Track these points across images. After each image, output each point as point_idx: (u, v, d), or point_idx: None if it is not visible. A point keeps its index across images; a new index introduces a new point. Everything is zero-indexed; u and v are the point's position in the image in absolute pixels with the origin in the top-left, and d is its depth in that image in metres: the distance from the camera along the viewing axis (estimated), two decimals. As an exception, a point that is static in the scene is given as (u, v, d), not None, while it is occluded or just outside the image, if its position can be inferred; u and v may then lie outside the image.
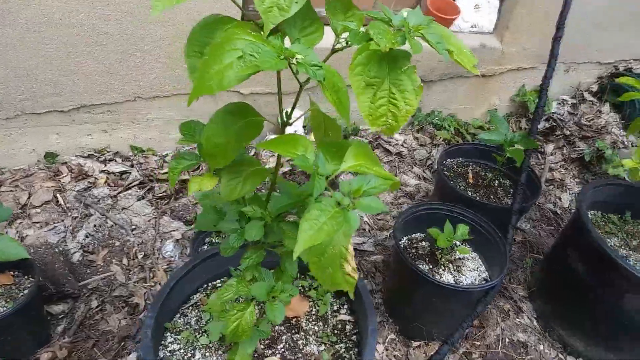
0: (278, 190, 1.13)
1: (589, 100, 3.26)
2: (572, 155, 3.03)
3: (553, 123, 3.15)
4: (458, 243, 1.82)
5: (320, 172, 0.78)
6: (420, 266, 1.79)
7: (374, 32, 0.72)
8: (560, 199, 2.72)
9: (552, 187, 2.79)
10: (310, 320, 1.41)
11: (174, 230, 2.11)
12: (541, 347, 1.83)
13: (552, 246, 2.11)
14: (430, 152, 2.79)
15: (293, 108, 0.96)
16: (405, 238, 1.92)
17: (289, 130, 1.17)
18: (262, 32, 0.85)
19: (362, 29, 0.84)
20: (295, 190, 1.04)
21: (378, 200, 0.76)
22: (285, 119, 1.02)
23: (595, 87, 3.38)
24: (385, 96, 0.77)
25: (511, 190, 2.21)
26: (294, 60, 0.75)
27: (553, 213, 2.60)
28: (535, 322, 1.94)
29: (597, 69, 3.34)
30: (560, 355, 1.82)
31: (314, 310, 1.44)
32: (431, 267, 1.81)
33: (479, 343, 1.81)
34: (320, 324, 1.40)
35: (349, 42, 0.81)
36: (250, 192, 1.06)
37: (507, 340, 1.83)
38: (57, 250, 1.83)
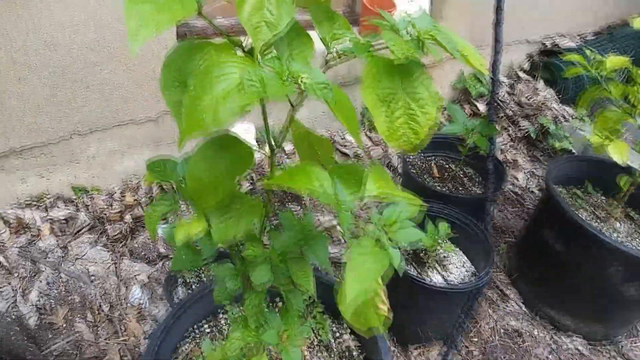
0: (273, 223, 1.03)
1: (524, 79, 3.36)
2: (517, 134, 3.11)
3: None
4: (440, 241, 1.78)
5: (346, 207, 0.69)
6: (408, 270, 1.74)
7: (390, 41, 0.64)
8: (517, 178, 2.78)
9: (507, 168, 2.84)
10: (314, 351, 1.31)
11: (138, 274, 1.93)
12: (535, 331, 1.83)
13: (525, 228, 2.13)
14: (386, 150, 2.76)
15: (284, 133, 0.86)
16: (386, 243, 1.86)
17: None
18: (240, 51, 0.75)
19: (359, 38, 0.76)
20: (297, 223, 0.94)
21: (414, 228, 0.68)
22: (273, 144, 0.92)
23: (526, 65, 3.50)
24: (402, 110, 0.69)
25: (477, 179, 2.21)
26: (300, 82, 0.65)
27: (514, 194, 2.65)
28: (524, 307, 1.94)
29: (527, 47, 3.45)
30: (554, 336, 1.83)
31: (315, 339, 1.34)
32: (418, 269, 1.76)
33: (475, 339, 1.79)
34: (325, 353, 1.31)
35: (354, 54, 0.72)
36: (246, 232, 0.95)
37: (501, 330, 1.82)
38: (8, 318, 1.61)
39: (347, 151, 2.70)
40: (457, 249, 1.86)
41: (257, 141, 2.50)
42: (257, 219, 0.96)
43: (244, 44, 0.79)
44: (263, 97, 0.62)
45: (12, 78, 1.76)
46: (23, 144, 1.91)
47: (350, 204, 0.69)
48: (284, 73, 0.65)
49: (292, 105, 0.83)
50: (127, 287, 1.89)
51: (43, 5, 1.68)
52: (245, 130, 2.38)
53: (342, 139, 2.76)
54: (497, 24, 2.25)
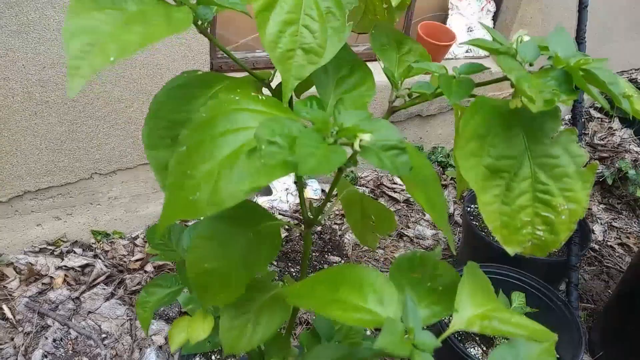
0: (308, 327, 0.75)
1: (597, 118, 3.00)
2: (590, 178, 2.74)
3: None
4: (516, 317, 1.45)
5: (425, 348, 0.41)
6: (472, 350, 1.42)
7: (513, 73, 0.37)
8: (593, 231, 2.40)
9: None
10: None
11: (154, 334, 1.69)
12: None
13: (615, 294, 1.77)
14: (441, 194, 2.46)
15: (323, 206, 0.60)
16: (445, 315, 1.55)
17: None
18: (263, 93, 0.50)
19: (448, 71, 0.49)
20: (336, 334, 0.67)
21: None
22: (310, 215, 0.67)
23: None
24: (530, 192, 0.41)
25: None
26: (356, 145, 0.39)
27: (591, 250, 2.28)
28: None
29: (598, 83, 3.11)
30: None
31: None
32: (485, 349, 1.43)
33: None
34: None
35: (436, 93, 0.46)
36: (267, 338, 0.68)
37: None
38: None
39: (396, 196, 2.41)
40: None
41: (295, 184, 2.25)
42: (285, 318, 0.69)
43: (271, 81, 0.54)
44: (293, 172, 0.36)
45: (29, 113, 1.59)
46: (39, 184, 1.73)
47: (431, 345, 0.41)
48: (329, 128, 0.39)
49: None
50: (141, 349, 1.65)
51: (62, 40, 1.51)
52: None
53: (390, 181, 2.48)
54: (580, 43, 1.95)
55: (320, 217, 0.69)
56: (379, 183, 2.46)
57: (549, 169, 0.41)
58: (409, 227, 2.28)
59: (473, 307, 0.46)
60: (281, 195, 2.16)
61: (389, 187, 2.45)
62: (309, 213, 0.67)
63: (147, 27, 0.38)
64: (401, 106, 0.52)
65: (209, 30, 0.50)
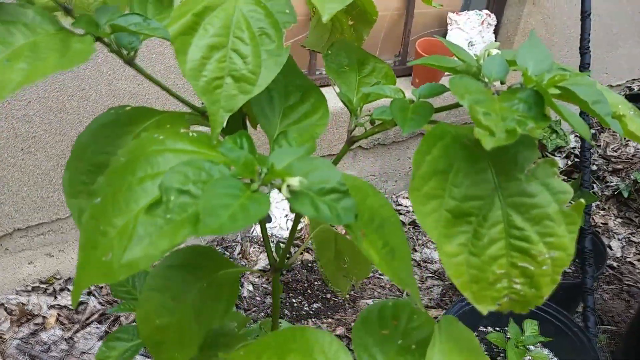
0: None
1: (609, 129, 2.90)
2: (605, 192, 2.63)
3: (575, 159, 2.77)
4: (531, 347, 1.36)
5: None
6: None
7: (469, 98, 0.30)
8: (610, 247, 2.29)
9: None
10: None
11: (147, 376, 1.61)
12: None
13: (637, 315, 1.65)
14: (448, 214, 2.37)
15: (288, 245, 0.53)
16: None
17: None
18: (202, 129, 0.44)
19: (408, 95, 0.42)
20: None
21: None
22: (277, 260, 0.60)
23: (608, 112, 3.04)
24: (501, 236, 0.34)
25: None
26: (284, 191, 0.32)
27: (609, 267, 2.16)
28: None
29: (608, 92, 3.01)
30: None
31: None
32: (497, 384, 1.33)
33: None
34: None
35: (395, 121, 0.39)
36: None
37: None
38: None
39: (402, 218, 2.33)
40: (552, 355, 1.42)
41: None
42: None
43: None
44: (197, 233, 0.29)
45: (15, 150, 1.55)
46: (29, 221, 1.68)
47: None
48: (255, 172, 0.33)
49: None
50: (135, 393, 1.57)
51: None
52: (282, 198, 2.08)
53: (395, 202, 2.40)
54: (582, 67, 1.88)
55: (288, 261, 0.62)
56: (383, 205, 2.38)
57: (525, 211, 0.33)
58: (415, 251, 2.19)
59: (447, 374, 0.38)
60: (281, 222, 2.10)
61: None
62: (274, 255, 0.60)
63: (33, 62, 0.32)
64: (361, 135, 0.45)
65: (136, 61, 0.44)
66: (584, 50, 1.83)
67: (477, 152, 0.33)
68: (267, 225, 2.07)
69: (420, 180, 0.32)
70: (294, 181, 0.31)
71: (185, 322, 0.53)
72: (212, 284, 0.54)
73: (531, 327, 1.33)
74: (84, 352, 1.68)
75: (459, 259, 0.33)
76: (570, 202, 0.34)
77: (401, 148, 2.37)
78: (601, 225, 2.42)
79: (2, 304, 1.75)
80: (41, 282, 1.83)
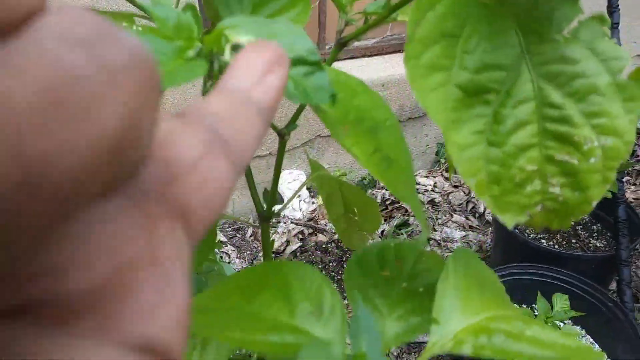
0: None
1: None
2: (636, 166, 2.49)
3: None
4: (560, 323, 1.25)
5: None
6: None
7: None
8: (645, 223, 2.15)
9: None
10: None
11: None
12: None
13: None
14: (469, 193, 2.26)
15: (274, 189, 0.45)
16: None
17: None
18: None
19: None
20: None
21: None
22: (265, 208, 0.52)
23: None
24: (530, 118, 0.25)
25: (596, 228, 1.66)
26: (227, 54, 0.24)
27: (644, 244, 2.03)
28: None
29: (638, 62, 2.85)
30: None
31: None
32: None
33: None
34: None
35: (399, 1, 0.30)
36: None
37: None
38: None
39: (420, 197, 2.23)
40: (584, 332, 1.31)
41: (308, 190, 2.11)
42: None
43: None
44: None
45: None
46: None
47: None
48: (191, 34, 0.24)
49: (278, 133, 0.42)
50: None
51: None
52: (294, 179, 1.99)
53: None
54: (613, 28, 1.75)
55: (277, 208, 0.54)
56: (400, 184, 2.29)
57: (564, 82, 0.24)
58: (435, 230, 2.09)
59: (464, 314, 0.30)
60: (293, 203, 2.02)
61: (411, 189, 2.27)
62: (263, 203, 0.52)
63: None
64: (352, 34, 0.37)
65: None
66: (613, 8, 1.70)
67: (497, 8, 0.24)
68: (277, 206, 2.00)
69: (419, 44, 0.23)
70: (243, 39, 0.23)
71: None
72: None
73: (561, 301, 1.23)
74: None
75: (474, 151, 0.24)
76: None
77: (417, 125, 2.27)
78: (633, 200, 2.28)
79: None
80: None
